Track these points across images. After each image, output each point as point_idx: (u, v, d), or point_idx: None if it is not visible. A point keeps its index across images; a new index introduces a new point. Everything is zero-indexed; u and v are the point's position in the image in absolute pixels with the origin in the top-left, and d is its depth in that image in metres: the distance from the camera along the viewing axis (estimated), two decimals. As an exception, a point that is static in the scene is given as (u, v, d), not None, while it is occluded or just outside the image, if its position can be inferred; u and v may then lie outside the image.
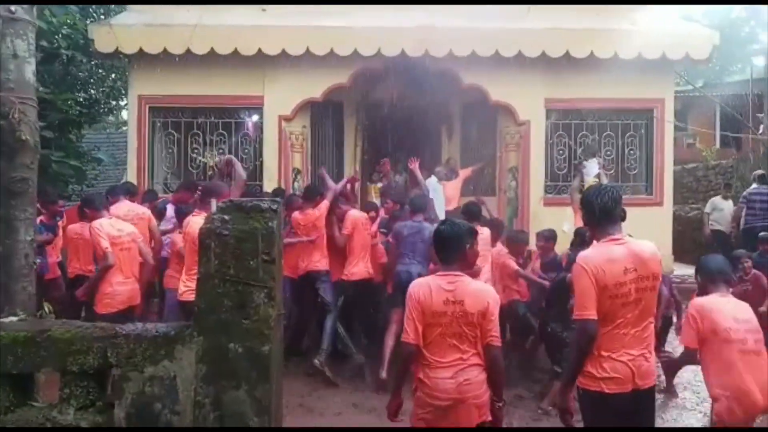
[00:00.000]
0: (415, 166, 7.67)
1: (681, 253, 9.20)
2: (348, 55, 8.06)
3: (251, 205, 2.95)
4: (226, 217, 2.92)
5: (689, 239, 11.02)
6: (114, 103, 13.32)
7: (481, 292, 3.08)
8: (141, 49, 8.09)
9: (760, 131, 17.04)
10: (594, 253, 2.99)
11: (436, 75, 8.50)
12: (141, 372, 2.94)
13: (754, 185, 9.58)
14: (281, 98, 8.43)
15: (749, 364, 3.33)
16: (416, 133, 9.99)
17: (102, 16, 11.07)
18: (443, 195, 8.39)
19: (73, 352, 2.96)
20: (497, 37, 8.08)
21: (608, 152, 8.88)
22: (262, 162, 8.56)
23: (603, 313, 2.90)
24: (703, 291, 3.71)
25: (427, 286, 3.08)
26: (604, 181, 7.85)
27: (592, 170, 7.96)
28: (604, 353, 2.92)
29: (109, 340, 2.97)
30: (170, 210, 6.99)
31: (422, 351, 3.05)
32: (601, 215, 3.03)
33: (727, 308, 3.47)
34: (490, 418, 3.05)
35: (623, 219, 3.06)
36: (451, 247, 3.14)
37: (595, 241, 3.12)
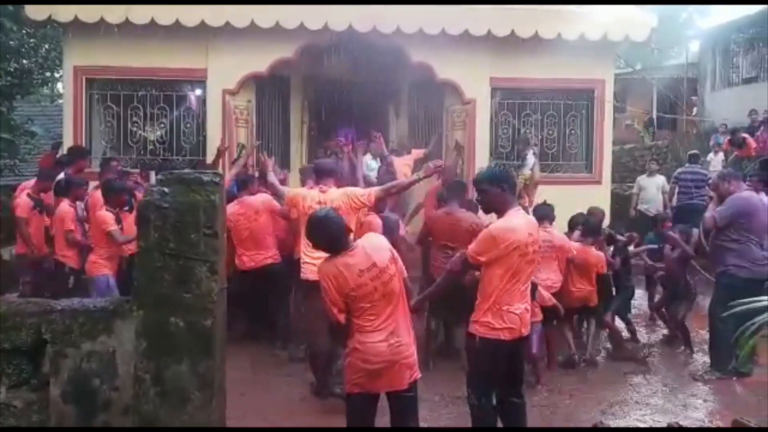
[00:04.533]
0: (349, 148, 7.08)
1: (619, 229, 9.36)
2: (294, 29, 7.93)
3: (193, 178, 2.91)
4: (166, 189, 2.86)
5: (627, 217, 11.40)
6: (48, 74, 12.74)
7: (379, 243, 3.34)
8: (76, 18, 7.73)
9: (694, 113, 17.79)
10: (505, 224, 3.47)
11: (383, 51, 8.46)
12: (78, 348, 2.88)
13: (687, 164, 9.97)
14: (225, 71, 8.24)
15: None
16: (364, 110, 9.95)
17: (34, -18, 10.49)
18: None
19: (5, 328, 2.87)
20: (444, 14, 8.10)
21: (550, 132, 9.08)
22: (205, 137, 8.36)
23: (513, 270, 3.41)
24: None
25: (335, 267, 3.18)
26: (537, 172, 8.05)
27: (530, 161, 8.14)
28: (504, 307, 3.42)
29: (43, 316, 2.89)
30: None
31: (352, 320, 3.20)
32: (512, 189, 3.64)
33: None
34: (419, 375, 3.34)
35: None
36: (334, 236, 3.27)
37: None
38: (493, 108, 8.87)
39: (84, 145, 8.17)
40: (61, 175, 6.48)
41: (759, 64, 15.62)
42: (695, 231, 9.05)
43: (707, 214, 5.57)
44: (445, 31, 8.08)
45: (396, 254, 3.33)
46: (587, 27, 8.33)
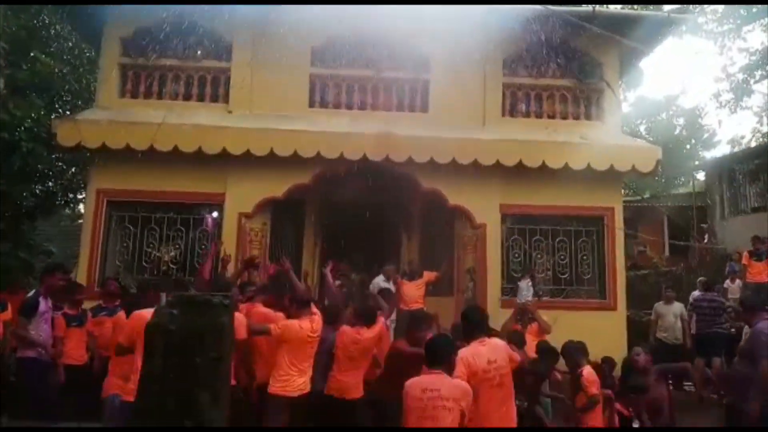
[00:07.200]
0: (327, 271, 6.99)
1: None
2: (311, 157, 8.25)
3: (201, 300, 2.89)
4: (174, 311, 2.83)
5: (646, 345, 11.03)
6: (71, 196, 13.17)
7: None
8: (104, 144, 8.15)
9: (705, 240, 17.82)
10: (469, 351, 4.12)
11: (396, 179, 8.74)
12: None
13: (698, 292, 9.81)
14: (243, 196, 8.50)
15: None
16: (376, 233, 10.10)
17: (68, 111, 11.19)
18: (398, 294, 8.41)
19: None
20: (454, 146, 8.43)
21: (562, 257, 9.10)
22: (218, 258, 8.42)
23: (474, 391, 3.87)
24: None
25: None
26: (527, 298, 7.89)
27: (526, 292, 8.02)
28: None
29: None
30: (43, 304, 6.08)
31: None
32: (475, 326, 4.30)
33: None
34: None
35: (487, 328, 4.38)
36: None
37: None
38: (504, 233, 8.97)
39: (99, 264, 8.29)
40: (42, 303, 6.13)
41: (766, 194, 15.85)
42: (716, 360, 8.84)
43: None
44: (455, 160, 8.37)
45: None
46: (593, 158, 8.59)
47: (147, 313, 4.74)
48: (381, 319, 5.75)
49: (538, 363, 5.70)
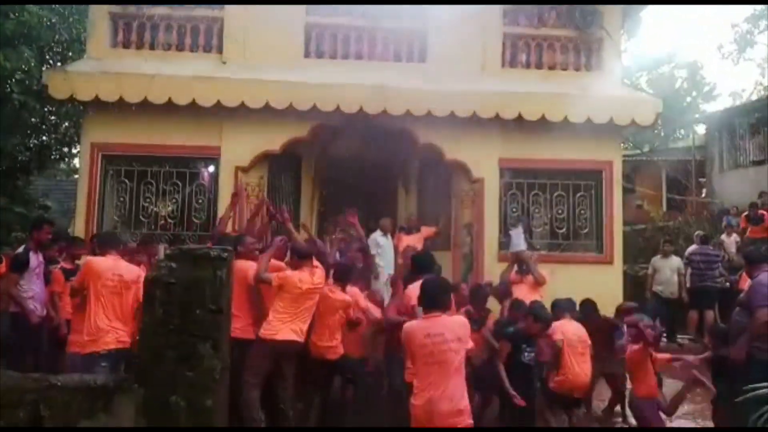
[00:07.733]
0: (354, 220, 7.18)
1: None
2: (307, 110, 8.15)
3: (200, 253, 2.89)
4: (173, 264, 2.84)
5: (641, 299, 11.15)
6: (66, 150, 13.06)
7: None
8: (97, 97, 8.00)
9: (703, 194, 17.86)
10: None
11: (393, 132, 8.65)
12: (75, 425, 2.78)
13: (694, 246, 9.88)
14: (239, 149, 8.41)
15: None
16: (373, 188, 10.06)
17: (58, 63, 10.98)
18: (393, 249, 8.45)
19: (1, 406, 2.78)
20: (453, 98, 8.31)
21: (560, 211, 9.10)
22: (216, 213, 8.42)
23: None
24: None
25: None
26: (523, 247, 7.81)
27: (517, 241, 7.92)
28: None
29: (42, 393, 2.81)
30: (34, 259, 6.14)
31: None
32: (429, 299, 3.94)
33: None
34: None
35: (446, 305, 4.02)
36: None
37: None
38: (502, 187, 8.94)
39: (96, 219, 8.26)
40: (33, 258, 6.18)
41: (766, 147, 15.80)
42: (709, 313, 8.97)
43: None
44: (453, 113, 8.27)
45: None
46: (593, 111, 8.50)
47: (98, 259, 5.01)
48: (357, 293, 5.83)
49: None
